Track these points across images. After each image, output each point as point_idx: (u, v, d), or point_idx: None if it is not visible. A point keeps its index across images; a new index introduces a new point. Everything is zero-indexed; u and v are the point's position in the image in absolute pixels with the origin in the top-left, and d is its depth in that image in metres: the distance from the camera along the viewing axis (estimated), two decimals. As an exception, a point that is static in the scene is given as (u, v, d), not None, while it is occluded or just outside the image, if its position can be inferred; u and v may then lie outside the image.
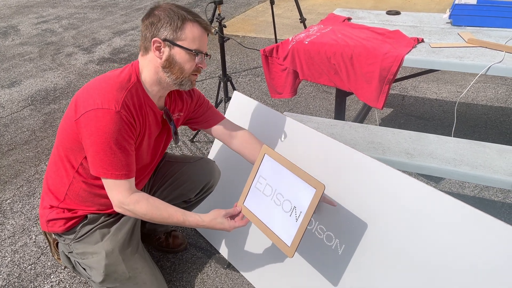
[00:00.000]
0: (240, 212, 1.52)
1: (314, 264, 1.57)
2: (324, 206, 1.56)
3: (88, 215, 1.55)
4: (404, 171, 2.21)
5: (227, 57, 4.12)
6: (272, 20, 3.49)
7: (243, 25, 5.12)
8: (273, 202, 1.44)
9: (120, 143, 1.35)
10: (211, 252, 1.94)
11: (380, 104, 1.87)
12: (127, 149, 1.37)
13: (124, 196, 1.40)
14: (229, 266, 1.85)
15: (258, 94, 3.41)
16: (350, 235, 1.48)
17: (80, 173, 1.47)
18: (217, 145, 2.06)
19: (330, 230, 1.54)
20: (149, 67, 1.41)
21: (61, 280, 1.82)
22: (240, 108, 1.97)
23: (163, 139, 1.60)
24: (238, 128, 1.70)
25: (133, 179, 1.43)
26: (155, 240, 1.96)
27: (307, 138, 1.66)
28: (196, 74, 1.44)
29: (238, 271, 1.82)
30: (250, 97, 3.38)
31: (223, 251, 1.91)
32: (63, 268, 1.88)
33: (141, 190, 1.67)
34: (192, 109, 1.66)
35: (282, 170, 1.43)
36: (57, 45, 4.71)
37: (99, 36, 4.95)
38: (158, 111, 1.50)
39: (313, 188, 1.33)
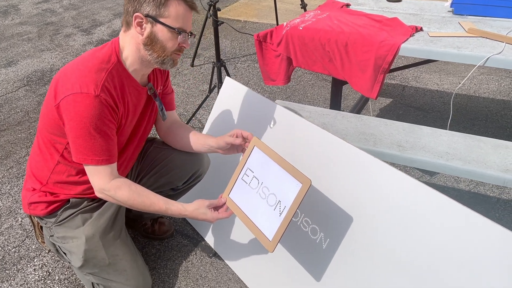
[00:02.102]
0: (225, 203, 1.48)
1: (298, 258, 1.54)
2: (311, 199, 1.52)
3: (71, 199, 1.52)
4: (395, 164, 2.16)
5: (227, 42, 4.05)
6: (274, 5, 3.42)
7: (245, 9, 5.03)
8: (259, 196, 1.40)
9: (100, 128, 1.31)
10: (197, 240, 1.91)
11: (374, 94, 1.82)
12: (107, 134, 1.34)
13: (105, 181, 1.37)
14: (214, 255, 1.82)
15: (256, 81, 3.36)
16: (335, 230, 1.44)
17: (65, 157, 1.44)
18: (209, 132, 2.01)
19: (316, 223, 1.50)
20: (130, 44, 1.36)
21: (44, 264, 1.81)
22: (231, 94, 1.92)
23: (146, 117, 1.56)
24: (183, 123, 1.72)
25: (115, 164, 1.40)
26: (141, 226, 1.93)
27: (296, 127, 1.62)
28: (179, 53, 1.40)
29: (223, 260, 1.79)
30: (248, 83, 3.33)
31: (210, 239, 1.88)
32: (47, 252, 1.86)
33: (127, 176, 1.65)
34: (163, 86, 1.63)
35: (270, 163, 1.39)
36: (56, 25, 4.65)
37: (99, 17, 4.89)
38: (142, 88, 1.46)
39: (299, 183, 1.28)
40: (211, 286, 1.70)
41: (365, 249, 1.35)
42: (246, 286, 1.68)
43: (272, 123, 1.71)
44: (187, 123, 2.73)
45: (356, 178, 1.41)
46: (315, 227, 1.50)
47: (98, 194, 1.40)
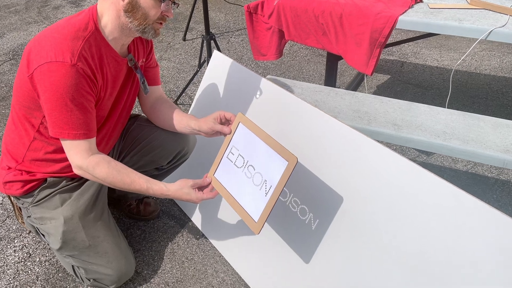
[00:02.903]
0: (210, 183, 1.41)
1: (287, 239, 1.47)
2: (301, 179, 1.45)
3: (48, 179, 1.45)
4: (391, 144, 2.08)
5: (220, 15, 3.91)
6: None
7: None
8: (244, 175, 1.32)
9: (77, 100, 1.22)
10: (184, 221, 1.84)
11: (370, 70, 1.72)
12: (85, 106, 1.25)
13: (83, 157, 1.30)
14: (202, 236, 1.76)
15: (250, 56, 3.24)
16: (325, 210, 1.37)
17: (41, 133, 1.36)
18: (196, 108, 1.93)
19: (305, 203, 1.44)
20: (110, 11, 1.27)
21: (25, 245, 1.74)
22: (219, 68, 1.82)
23: (126, 91, 1.47)
24: (168, 99, 1.62)
25: (94, 139, 1.32)
26: (126, 206, 1.86)
27: (285, 103, 1.53)
28: (161, 23, 1.30)
29: (210, 242, 1.73)
30: (241, 58, 3.22)
31: (197, 220, 1.82)
32: (27, 232, 1.80)
33: (110, 154, 1.57)
34: (146, 59, 1.53)
35: (255, 141, 1.31)
36: (45, -3, 4.50)
37: (89, -11, 4.72)
38: (122, 59, 1.37)
39: (285, 161, 1.21)
40: (197, 268, 1.64)
41: (355, 231, 1.28)
42: (233, 268, 1.63)
43: (258, 93, 1.62)
44: (177, 99, 2.64)
45: (348, 158, 1.33)
46: (304, 208, 1.44)
47: (75, 170, 1.33)
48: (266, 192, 1.24)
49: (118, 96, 1.45)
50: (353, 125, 1.59)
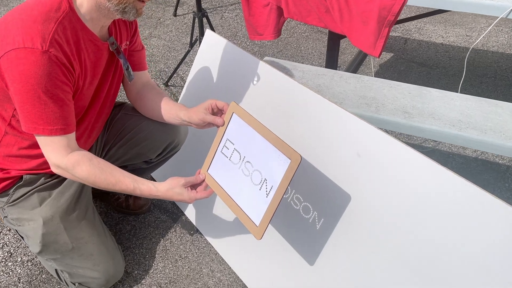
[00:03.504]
0: (204, 180, 1.27)
1: (289, 238, 1.36)
2: (303, 174, 1.32)
3: (24, 176, 1.31)
4: (402, 135, 1.95)
5: (213, -11, 3.70)
6: None
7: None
8: (241, 172, 1.19)
9: (51, 91, 1.08)
10: (177, 215, 1.72)
11: (377, 51, 1.57)
12: (61, 98, 1.11)
13: (61, 155, 1.16)
14: (196, 232, 1.65)
15: (244, 32, 3.06)
16: (330, 208, 1.25)
17: (13, 127, 1.21)
18: (187, 94, 1.78)
19: (308, 201, 1.31)
20: None
21: (6, 244, 1.62)
22: (212, 49, 1.67)
23: (109, 78, 1.32)
24: (155, 86, 1.48)
25: (73, 135, 1.18)
26: (114, 200, 1.73)
27: (286, 90, 1.39)
28: (143, 1, 1.14)
29: (205, 239, 1.62)
30: (235, 35, 3.04)
31: (191, 215, 1.70)
32: (8, 230, 1.67)
33: (91, 149, 1.43)
34: (130, 42, 1.38)
35: (252, 134, 1.17)
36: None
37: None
38: (102, 43, 1.22)
39: (288, 159, 1.07)
40: (192, 268, 1.53)
41: (364, 232, 1.17)
42: (230, 267, 1.52)
43: (255, 79, 1.47)
44: (168, 80, 2.48)
45: (355, 151, 1.20)
46: (307, 205, 1.32)
47: (53, 169, 1.20)
48: (267, 193, 1.12)
49: (99, 85, 1.29)
50: (359, 113, 1.46)
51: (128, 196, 1.73)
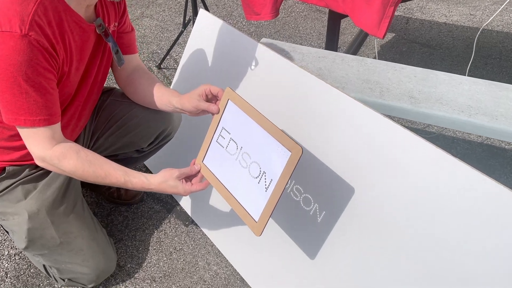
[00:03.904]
0: (199, 172, 1.20)
1: (288, 231, 1.29)
2: (304, 164, 1.25)
3: (7, 168, 1.23)
4: (403, 120, 1.86)
5: (207, -34, 3.55)
6: None
7: None
8: (239, 164, 1.12)
9: (33, 79, 0.99)
10: (171, 205, 1.65)
11: (382, 32, 1.48)
12: (44, 86, 1.02)
13: (45, 147, 1.08)
14: (191, 223, 1.58)
15: (240, 11, 2.95)
16: (332, 201, 1.19)
17: None
18: (180, 78, 1.68)
19: (308, 192, 1.24)
20: None
21: (-8, 237, 1.55)
22: (207, 30, 1.57)
23: (97, 63, 1.23)
24: (147, 70, 1.38)
25: (58, 125, 1.10)
26: (105, 189, 1.66)
27: (285, 74, 1.30)
28: None
29: (201, 230, 1.55)
30: (231, 15, 2.92)
31: (185, 204, 1.62)
32: (-6, 222, 1.60)
33: (78, 139, 1.35)
34: (119, 23, 1.28)
35: (249, 123, 1.09)
36: None
37: None
38: (88, 25, 1.12)
39: (288, 151, 1.00)
40: (187, 260, 1.47)
41: (367, 224, 1.10)
42: (227, 261, 1.45)
43: (253, 63, 1.38)
44: (161, 62, 2.38)
45: (358, 139, 1.13)
46: (308, 197, 1.25)
47: (38, 162, 1.12)
48: (266, 186, 1.04)
49: (86, 70, 1.20)
50: (363, 98, 1.38)
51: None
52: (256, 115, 1.06)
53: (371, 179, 1.10)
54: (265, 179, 1.05)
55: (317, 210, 1.23)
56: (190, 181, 1.18)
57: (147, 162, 1.76)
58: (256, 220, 1.06)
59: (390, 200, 1.06)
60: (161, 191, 1.16)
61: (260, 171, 1.06)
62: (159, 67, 2.38)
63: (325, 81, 1.21)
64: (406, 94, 1.39)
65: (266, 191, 1.04)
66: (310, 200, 1.24)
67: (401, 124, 1.07)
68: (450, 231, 0.97)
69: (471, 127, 1.29)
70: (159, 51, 2.55)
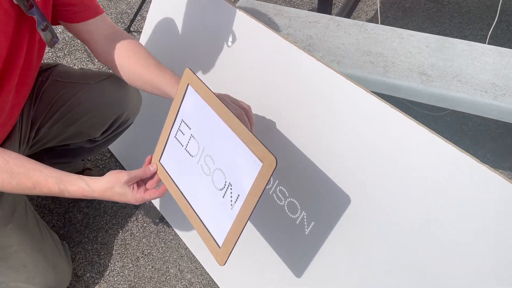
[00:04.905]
0: (155, 174, 0.96)
1: (270, 240, 1.08)
2: (288, 163, 1.01)
3: None
4: (417, 104, 1.58)
5: None
6: None
7: None
8: (200, 169, 0.87)
9: None
10: (139, 199, 1.43)
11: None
12: None
13: None
14: (161, 221, 1.36)
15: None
16: (323, 210, 0.96)
17: None
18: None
19: (294, 196, 1.02)
20: None
21: None
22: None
23: (24, 42, 0.94)
24: (122, 32, 1.06)
25: None
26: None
27: (265, 46, 1.04)
28: None
29: (172, 230, 1.33)
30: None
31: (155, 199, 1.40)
32: None
33: (17, 127, 1.09)
34: None
35: (213, 118, 0.83)
36: None
37: None
38: None
39: (259, 161, 0.75)
40: (156, 267, 1.26)
41: (363, 237, 0.89)
42: (203, 268, 1.25)
43: (230, 39, 1.12)
44: (130, 25, 2.07)
45: (355, 132, 0.89)
46: (293, 202, 1.02)
47: None
48: (232, 203, 0.80)
49: (11, 53, 0.92)
50: (363, 75, 1.12)
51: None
52: (221, 109, 0.81)
53: (371, 186, 0.87)
54: (231, 193, 0.80)
55: (305, 220, 1.00)
56: (145, 184, 0.94)
57: (111, 147, 1.52)
58: (220, 246, 0.83)
59: (390, 210, 0.84)
60: (106, 198, 0.91)
61: (226, 182, 0.82)
62: (128, 30, 2.08)
63: (316, 56, 0.95)
64: (416, 70, 1.13)
65: (232, 208, 0.80)
66: (297, 206, 1.01)
67: (412, 118, 0.83)
68: (462, 237, 0.75)
69: (497, 112, 1.05)
70: (129, 11, 2.23)
